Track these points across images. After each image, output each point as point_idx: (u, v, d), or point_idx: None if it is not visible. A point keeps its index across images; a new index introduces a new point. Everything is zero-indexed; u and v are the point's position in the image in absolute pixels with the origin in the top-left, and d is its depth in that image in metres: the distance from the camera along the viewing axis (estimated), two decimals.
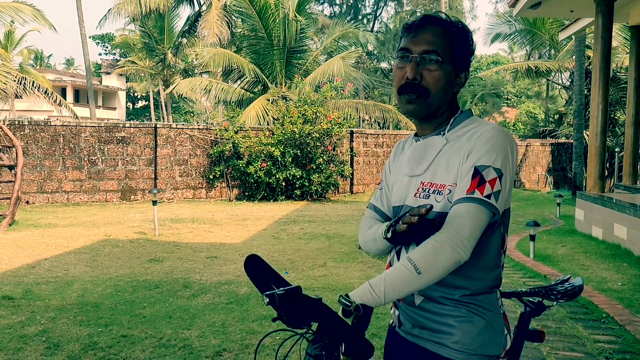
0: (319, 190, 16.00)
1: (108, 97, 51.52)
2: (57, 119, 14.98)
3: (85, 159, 14.38)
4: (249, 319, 4.86)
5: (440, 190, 1.56)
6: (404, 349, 1.65)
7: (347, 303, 1.38)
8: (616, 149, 14.19)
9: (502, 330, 1.57)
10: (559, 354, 4.08)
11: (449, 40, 1.59)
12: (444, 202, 1.54)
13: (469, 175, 1.49)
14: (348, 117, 19.23)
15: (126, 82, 51.77)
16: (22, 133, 13.65)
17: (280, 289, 1.57)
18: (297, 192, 15.55)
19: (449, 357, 1.53)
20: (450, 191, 1.53)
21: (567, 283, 1.94)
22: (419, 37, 1.58)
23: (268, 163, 15.21)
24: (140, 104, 59.20)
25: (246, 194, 15.92)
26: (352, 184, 17.97)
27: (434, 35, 1.58)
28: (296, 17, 19.26)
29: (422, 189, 1.60)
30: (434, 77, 1.57)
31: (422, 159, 1.64)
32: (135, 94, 57.45)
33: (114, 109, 51.09)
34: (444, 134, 1.62)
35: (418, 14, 43.52)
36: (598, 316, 4.96)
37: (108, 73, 52.09)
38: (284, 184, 15.42)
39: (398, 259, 1.64)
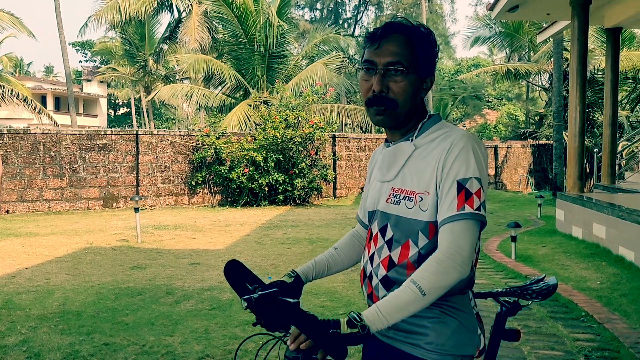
0: (302, 194, 16.01)
1: (89, 104, 51.12)
2: (37, 127, 14.82)
3: (67, 167, 14.25)
4: (231, 324, 4.86)
5: (410, 196, 1.59)
6: (380, 350, 1.67)
7: (356, 318, 1.41)
8: (595, 150, 14.37)
9: (475, 330, 1.60)
10: (539, 353, 4.13)
11: (413, 48, 1.59)
12: (416, 209, 1.57)
13: (452, 190, 1.51)
14: (330, 122, 19.28)
15: (107, 88, 51.41)
16: (1, 142, 13.49)
17: (257, 293, 1.59)
18: (280, 197, 15.54)
19: (423, 357, 1.55)
20: (422, 199, 1.56)
21: (541, 282, 1.97)
22: (383, 48, 1.59)
23: (250, 168, 15.19)
24: (122, 110, 58.83)
25: (229, 199, 15.87)
26: (335, 188, 18.00)
27: (397, 45, 1.58)
28: (277, 21, 19.29)
29: (393, 195, 1.63)
30: (401, 88, 1.58)
31: (392, 165, 1.66)
32: (117, 101, 57.08)
33: (96, 116, 50.70)
34: (412, 139, 1.64)
35: (400, 16, 43.72)
36: (578, 315, 5.03)
37: (89, 80, 51.72)
38: (266, 189, 15.40)
39: (372, 265, 1.66)
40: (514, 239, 7.68)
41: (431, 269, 1.45)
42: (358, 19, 45.01)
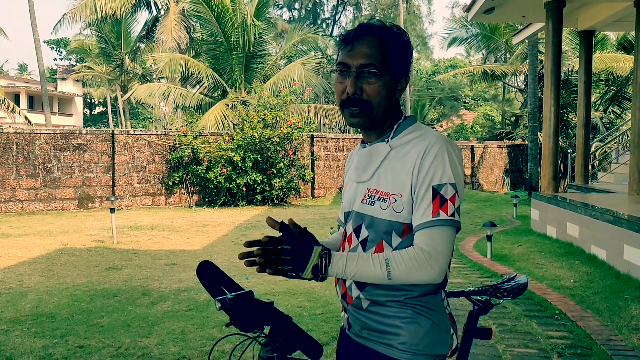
0: (280, 194, 15.99)
1: (64, 103, 50.42)
2: (10, 126, 14.58)
3: (40, 167, 14.05)
4: (208, 325, 4.84)
5: (385, 197, 1.59)
6: (354, 351, 1.67)
7: (322, 270, 1.43)
8: (569, 150, 14.59)
9: (448, 329, 1.61)
10: (514, 351, 4.18)
11: (386, 50, 1.60)
12: (389, 210, 1.58)
13: (428, 196, 1.52)
14: (308, 122, 19.28)
15: (83, 87, 50.74)
16: None
17: (232, 293, 1.59)
18: (258, 197, 15.50)
19: (396, 357, 1.56)
20: (396, 200, 1.57)
21: (512, 281, 2.00)
22: (355, 50, 1.59)
23: (228, 168, 15.12)
24: (98, 110, 58.09)
25: (206, 199, 15.79)
26: (313, 188, 18.02)
27: (369, 47, 1.59)
28: (254, 21, 19.23)
29: (369, 196, 1.64)
30: (374, 90, 1.59)
31: (368, 166, 1.67)
32: (93, 100, 56.36)
33: (71, 115, 50.03)
34: (388, 141, 1.65)
35: (377, 18, 43.94)
36: (552, 313, 5.10)
37: (64, 79, 51.00)
38: (244, 189, 15.35)
39: None
40: (489, 238, 7.76)
41: (409, 263, 1.46)
42: (336, 19, 45.12)
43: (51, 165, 14.18)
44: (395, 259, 1.47)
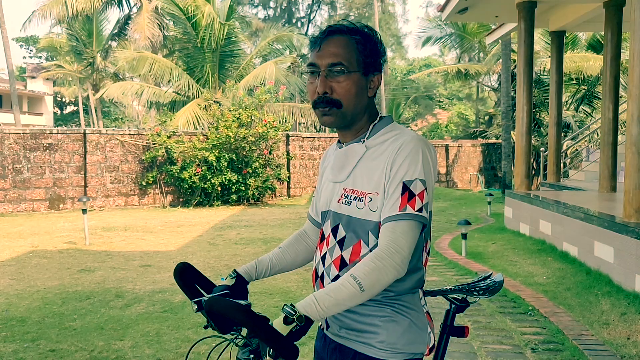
0: (256, 194, 15.92)
1: (34, 102, 49.53)
2: None
3: (9, 168, 13.76)
4: (184, 327, 4.79)
5: (361, 197, 1.60)
6: (332, 350, 1.67)
7: (291, 312, 1.40)
8: (541, 149, 14.80)
9: (425, 328, 1.62)
10: (488, 348, 4.22)
11: (354, 48, 1.61)
12: (366, 209, 1.59)
13: (397, 191, 1.53)
14: (284, 121, 19.25)
15: (53, 86, 49.88)
16: None
17: (208, 295, 1.57)
18: (234, 196, 15.41)
19: (375, 356, 1.56)
20: (371, 199, 1.58)
21: (488, 279, 2.01)
22: (323, 50, 1.61)
23: (203, 168, 15.00)
24: (69, 109, 57.14)
25: (181, 200, 15.65)
26: (289, 188, 17.98)
27: (337, 46, 1.60)
28: (226, 21, 19.11)
29: (345, 196, 1.65)
30: (343, 88, 1.60)
31: (344, 166, 1.68)
32: (64, 99, 55.44)
33: (41, 114, 49.16)
34: (364, 141, 1.66)
35: (351, 17, 44.08)
36: (525, 309, 5.17)
37: (33, 77, 50.02)
38: (219, 189, 15.25)
39: (323, 265, 1.67)
40: (464, 236, 7.83)
41: (372, 266, 1.46)
42: (311, 18, 45.14)
43: (21, 165, 13.90)
44: (359, 268, 1.47)
